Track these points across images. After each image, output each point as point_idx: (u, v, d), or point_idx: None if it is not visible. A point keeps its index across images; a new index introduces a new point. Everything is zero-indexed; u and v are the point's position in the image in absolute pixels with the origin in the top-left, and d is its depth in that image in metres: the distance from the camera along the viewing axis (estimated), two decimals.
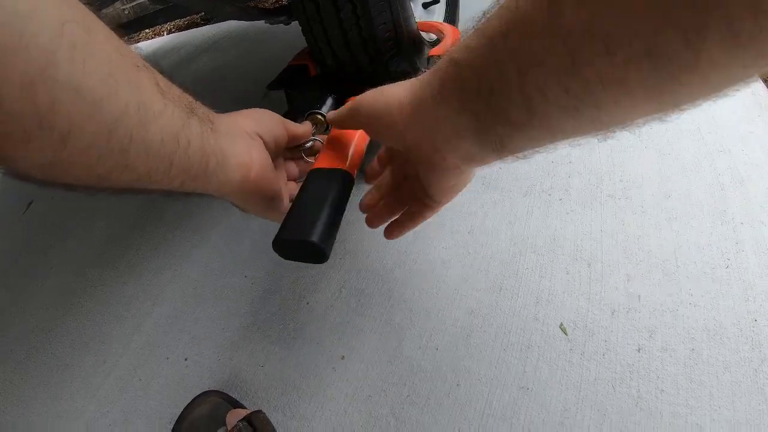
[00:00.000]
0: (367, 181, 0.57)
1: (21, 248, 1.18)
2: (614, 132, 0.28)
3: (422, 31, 0.88)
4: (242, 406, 0.65)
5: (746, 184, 0.76)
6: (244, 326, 0.77)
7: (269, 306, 0.79)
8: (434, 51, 0.77)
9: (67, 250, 1.10)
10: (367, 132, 0.47)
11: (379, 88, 0.43)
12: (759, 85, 0.93)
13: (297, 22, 0.76)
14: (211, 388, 0.67)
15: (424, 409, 0.61)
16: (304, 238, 0.43)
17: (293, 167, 0.57)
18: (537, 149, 0.32)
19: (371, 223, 0.56)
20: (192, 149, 0.37)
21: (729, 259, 0.68)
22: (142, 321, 0.84)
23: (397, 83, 0.42)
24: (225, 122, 0.44)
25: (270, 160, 0.48)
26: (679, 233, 0.71)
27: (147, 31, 2.68)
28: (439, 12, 1.07)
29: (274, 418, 0.63)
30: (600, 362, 0.61)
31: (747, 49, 0.18)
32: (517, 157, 0.34)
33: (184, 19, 2.56)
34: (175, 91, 0.38)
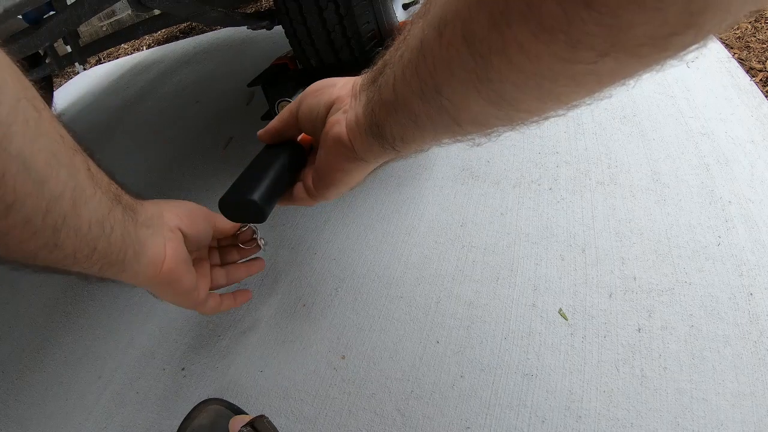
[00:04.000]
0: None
1: (6, 267, 1.15)
2: (473, 137, 0.30)
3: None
4: (244, 413, 0.63)
5: (731, 164, 0.77)
6: (240, 332, 0.76)
7: (265, 310, 0.78)
8: None
9: None
10: (301, 108, 0.46)
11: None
12: (737, 68, 0.96)
13: (279, 26, 0.77)
14: (211, 397, 0.66)
15: (429, 402, 0.60)
16: (245, 197, 0.46)
17: (217, 258, 0.59)
18: (426, 143, 0.34)
19: None
20: (114, 236, 0.38)
21: (720, 237, 0.69)
22: (135, 334, 0.83)
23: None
24: (148, 212, 0.46)
25: (185, 255, 0.49)
26: (670, 215, 0.72)
27: (125, 46, 2.68)
28: None
29: (278, 422, 0.61)
30: (602, 344, 0.61)
31: (555, 36, 0.17)
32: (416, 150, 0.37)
33: (163, 32, 2.57)
34: (104, 177, 0.39)
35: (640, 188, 0.77)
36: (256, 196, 0.46)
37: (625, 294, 0.65)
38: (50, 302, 0.98)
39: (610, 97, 0.23)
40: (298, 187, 0.50)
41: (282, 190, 0.52)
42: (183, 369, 0.73)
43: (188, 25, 2.35)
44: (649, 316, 0.62)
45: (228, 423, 0.61)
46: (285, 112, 0.48)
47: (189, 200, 0.54)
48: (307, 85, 0.72)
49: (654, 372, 0.57)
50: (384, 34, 0.76)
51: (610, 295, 0.65)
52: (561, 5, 0.16)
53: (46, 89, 1.84)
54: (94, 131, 1.74)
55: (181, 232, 0.49)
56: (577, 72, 0.19)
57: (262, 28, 0.83)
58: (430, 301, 0.70)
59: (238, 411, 0.64)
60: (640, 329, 0.61)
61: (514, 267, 0.70)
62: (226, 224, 0.56)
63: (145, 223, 0.44)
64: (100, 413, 0.72)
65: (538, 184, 0.81)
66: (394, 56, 0.30)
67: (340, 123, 0.39)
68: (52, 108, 0.36)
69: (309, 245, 0.86)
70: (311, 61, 0.76)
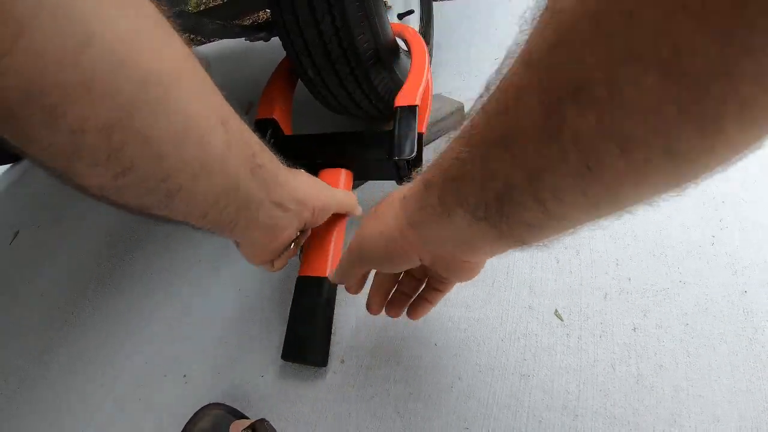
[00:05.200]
0: (350, 291, 0.57)
1: (8, 277, 1.17)
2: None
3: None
4: (245, 417, 0.64)
5: None
6: (241, 338, 0.77)
7: (266, 315, 0.79)
8: (399, 100, 0.76)
9: (55, 276, 1.10)
10: (380, 269, 0.49)
11: (367, 224, 0.43)
12: None
13: (277, 38, 0.79)
14: (212, 402, 0.66)
15: (428, 403, 0.61)
16: (305, 361, 0.67)
17: None
18: (560, 235, 0.31)
19: (391, 313, 0.57)
20: (227, 211, 0.41)
21: (714, 236, 0.70)
22: (137, 341, 0.84)
23: (379, 209, 0.42)
24: (287, 192, 0.49)
25: (293, 236, 0.54)
26: (664, 215, 0.73)
27: None
28: (413, 22, 1.12)
29: (279, 426, 0.62)
30: (597, 344, 0.61)
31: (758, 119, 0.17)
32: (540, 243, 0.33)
33: None
34: (246, 150, 0.41)
35: None
36: (313, 359, 0.66)
37: (620, 294, 0.66)
38: (50, 310, 1.00)
39: None
40: None
41: (329, 332, 0.69)
42: (184, 376, 0.74)
43: (187, 36, 2.38)
44: (644, 315, 0.63)
45: (229, 427, 0.62)
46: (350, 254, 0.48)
47: None
48: (303, 159, 0.77)
49: (650, 371, 0.57)
50: (380, 47, 0.78)
51: (605, 296, 0.66)
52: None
53: None
54: None
55: (305, 224, 0.53)
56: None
57: (260, 39, 0.86)
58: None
59: (239, 415, 0.64)
60: (635, 328, 0.62)
61: (510, 270, 0.71)
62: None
63: (277, 202, 0.47)
64: (102, 421, 0.73)
65: None
66: (513, 185, 0.26)
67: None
68: None
69: None
70: (308, 72, 0.78)
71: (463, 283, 0.50)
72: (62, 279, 1.08)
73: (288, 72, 0.92)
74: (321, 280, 0.67)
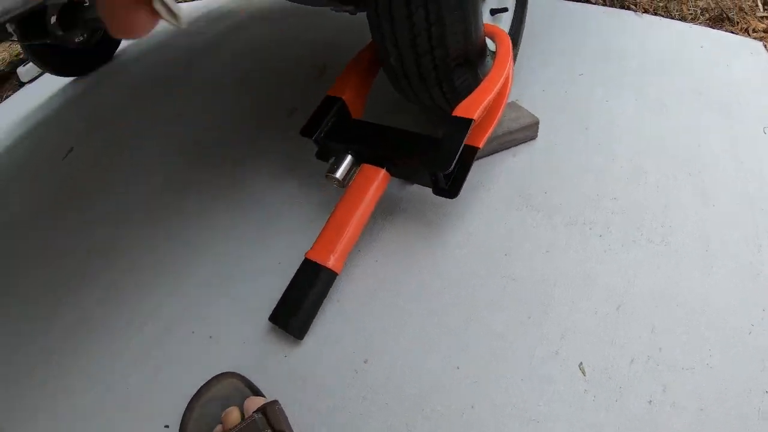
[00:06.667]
0: None
1: (55, 196, 1.18)
2: None
3: None
4: (261, 394, 0.66)
5: None
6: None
7: None
8: (459, 109, 0.73)
9: (100, 206, 1.10)
10: None
11: None
12: None
13: (365, 15, 0.70)
14: (232, 370, 0.68)
15: (436, 425, 0.63)
16: (285, 328, 0.73)
17: None
18: None
19: None
20: None
21: (753, 325, 0.69)
22: (169, 290, 0.85)
23: None
24: None
25: None
26: (711, 288, 0.72)
27: None
28: (505, 21, 1.00)
29: (290, 410, 0.64)
30: (610, 409, 0.63)
31: None
32: None
33: None
34: None
35: (688, 254, 0.75)
36: (295, 331, 0.72)
37: (646, 362, 0.66)
38: (91, 238, 1.01)
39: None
40: None
41: (315, 312, 0.74)
42: (210, 337, 0.76)
43: None
44: (663, 390, 0.64)
45: (242, 399, 0.64)
46: None
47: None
48: (357, 147, 0.79)
49: None
50: (470, 48, 0.70)
51: (632, 361, 0.66)
52: None
53: None
54: (157, 74, 1.66)
55: None
56: None
57: (346, 11, 0.76)
58: (461, 324, 0.71)
59: (256, 390, 0.66)
60: (651, 401, 0.63)
61: (548, 309, 0.71)
62: None
63: None
64: (129, 360, 0.76)
65: (590, 228, 0.79)
66: None
67: None
68: None
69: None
70: (391, 59, 0.70)
71: (498, 308, 0.48)
72: (107, 209, 1.07)
73: (371, 55, 0.85)
74: (320, 268, 0.74)
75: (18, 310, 0.91)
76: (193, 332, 0.77)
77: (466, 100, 0.72)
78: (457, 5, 0.64)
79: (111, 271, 0.91)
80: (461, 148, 0.69)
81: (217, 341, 0.75)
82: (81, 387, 0.75)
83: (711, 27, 1.35)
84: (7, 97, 1.94)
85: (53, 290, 0.91)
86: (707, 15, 1.38)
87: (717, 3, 1.41)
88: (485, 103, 0.72)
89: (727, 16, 1.38)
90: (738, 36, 1.31)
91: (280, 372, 0.70)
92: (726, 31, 1.35)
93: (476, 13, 0.69)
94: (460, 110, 0.72)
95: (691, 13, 1.39)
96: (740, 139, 0.93)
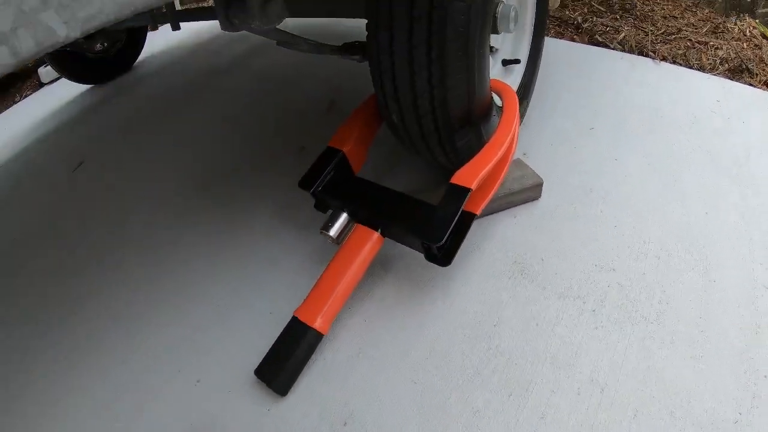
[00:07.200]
0: None
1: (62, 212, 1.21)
2: None
3: None
4: None
5: None
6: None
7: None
8: (457, 176, 0.72)
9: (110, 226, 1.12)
10: None
11: None
12: None
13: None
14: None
15: None
16: (269, 385, 0.73)
17: None
18: None
19: None
20: None
21: (740, 414, 0.68)
22: (167, 325, 0.87)
23: None
24: None
25: None
26: (700, 374, 0.71)
27: None
28: (517, 73, 0.99)
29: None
30: None
31: None
32: None
33: None
34: None
35: (682, 336, 0.74)
36: (278, 389, 0.72)
37: None
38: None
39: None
40: None
41: (299, 370, 0.75)
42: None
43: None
44: None
45: None
46: None
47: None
48: (366, 205, 0.79)
49: None
50: (473, 109, 0.69)
51: None
52: None
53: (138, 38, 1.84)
54: (173, 92, 1.69)
55: None
56: None
57: (354, 60, 0.76)
58: (441, 397, 0.71)
59: None
60: None
61: (530, 388, 0.70)
62: None
63: None
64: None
65: (583, 302, 0.78)
66: None
67: None
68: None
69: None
70: (393, 117, 0.70)
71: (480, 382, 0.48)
72: (104, 238, 1.09)
73: (375, 108, 0.84)
74: (307, 329, 0.74)
75: None
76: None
77: (465, 166, 0.72)
78: (462, 68, 0.64)
79: (107, 299, 0.93)
80: (456, 220, 0.69)
81: (203, 385, 0.76)
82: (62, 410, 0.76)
83: (730, 78, 1.33)
84: (26, 96, 1.98)
85: (40, 315, 0.93)
86: (726, 65, 1.36)
87: (737, 53, 1.38)
88: (485, 171, 0.71)
89: (747, 67, 1.35)
90: (757, 89, 1.28)
91: (262, 426, 0.70)
92: (744, 83, 1.32)
93: (482, 75, 0.68)
94: (459, 178, 0.71)
95: (710, 63, 1.36)
96: (750, 210, 0.91)
